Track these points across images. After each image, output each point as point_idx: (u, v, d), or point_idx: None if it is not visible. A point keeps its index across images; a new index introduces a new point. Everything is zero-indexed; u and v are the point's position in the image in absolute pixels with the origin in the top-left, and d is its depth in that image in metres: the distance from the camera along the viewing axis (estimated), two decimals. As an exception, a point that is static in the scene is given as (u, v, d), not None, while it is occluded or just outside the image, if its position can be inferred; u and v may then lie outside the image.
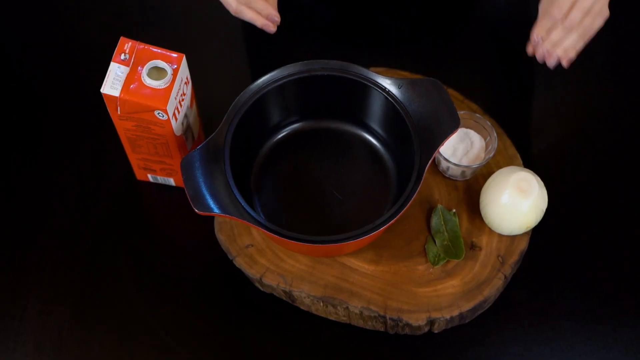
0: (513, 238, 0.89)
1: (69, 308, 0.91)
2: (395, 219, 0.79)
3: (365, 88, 0.87)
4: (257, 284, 0.91)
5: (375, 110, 0.90)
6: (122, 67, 0.82)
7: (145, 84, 0.81)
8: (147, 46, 0.83)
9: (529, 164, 0.95)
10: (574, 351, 0.87)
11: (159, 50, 0.83)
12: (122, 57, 0.82)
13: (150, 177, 0.97)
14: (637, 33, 1.12)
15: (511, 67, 1.10)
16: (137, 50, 0.83)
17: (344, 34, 1.12)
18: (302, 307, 0.90)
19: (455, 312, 0.85)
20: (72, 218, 0.98)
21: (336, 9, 1.14)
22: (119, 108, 0.82)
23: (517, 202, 0.85)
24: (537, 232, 0.91)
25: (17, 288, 0.93)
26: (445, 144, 0.88)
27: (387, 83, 0.86)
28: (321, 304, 0.87)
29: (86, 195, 1.00)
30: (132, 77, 0.81)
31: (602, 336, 0.88)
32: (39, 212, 0.98)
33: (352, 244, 0.80)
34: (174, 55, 0.83)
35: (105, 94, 0.81)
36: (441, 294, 0.86)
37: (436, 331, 0.88)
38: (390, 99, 0.86)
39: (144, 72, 0.81)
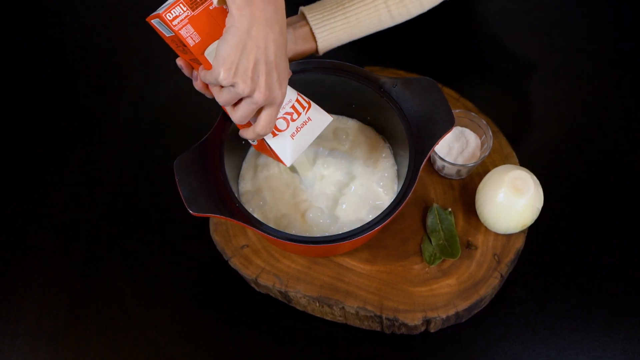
0: (509, 237, 0.89)
1: (64, 311, 0.91)
2: (390, 218, 0.78)
3: (360, 87, 0.87)
4: (253, 285, 0.90)
5: (370, 108, 0.90)
6: None
7: None
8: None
9: (524, 162, 0.95)
10: (571, 349, 0.87)
11: None
12: None
13: None
14: (632, 33, 1.12)
15: (507, 65, 1.10)
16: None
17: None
18: (298, 308, 0.89)
19: (452, 312, 0.85)
20: (67, 221, 0.98)
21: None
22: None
23: (512, 200, 0.84)
24: (533, 231, 0.91)
25: (13, 291, 0.93)
26: (440, 142, 0.87)
27: (381, 82, 0.86)
28: (317, 304, 0.86)
29: (81, 198, 0.99)
30: None
31: (599, 335, 0.88)
32: (33, 216, 0.98)
33: (347, 244, 0.79)
34: None
35: None
36: (437, 294, 0.86)
37: (432, 331, 0.88)
38: (384, 97, 0.85)
39: None
